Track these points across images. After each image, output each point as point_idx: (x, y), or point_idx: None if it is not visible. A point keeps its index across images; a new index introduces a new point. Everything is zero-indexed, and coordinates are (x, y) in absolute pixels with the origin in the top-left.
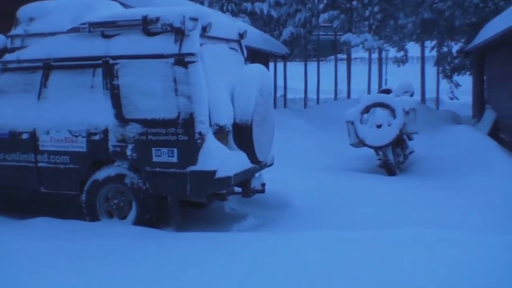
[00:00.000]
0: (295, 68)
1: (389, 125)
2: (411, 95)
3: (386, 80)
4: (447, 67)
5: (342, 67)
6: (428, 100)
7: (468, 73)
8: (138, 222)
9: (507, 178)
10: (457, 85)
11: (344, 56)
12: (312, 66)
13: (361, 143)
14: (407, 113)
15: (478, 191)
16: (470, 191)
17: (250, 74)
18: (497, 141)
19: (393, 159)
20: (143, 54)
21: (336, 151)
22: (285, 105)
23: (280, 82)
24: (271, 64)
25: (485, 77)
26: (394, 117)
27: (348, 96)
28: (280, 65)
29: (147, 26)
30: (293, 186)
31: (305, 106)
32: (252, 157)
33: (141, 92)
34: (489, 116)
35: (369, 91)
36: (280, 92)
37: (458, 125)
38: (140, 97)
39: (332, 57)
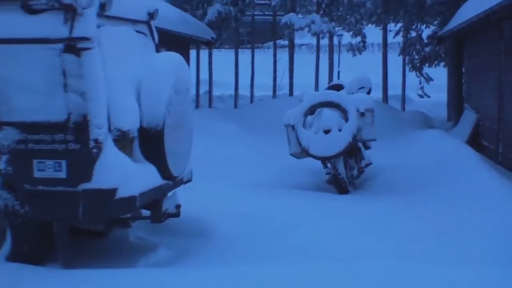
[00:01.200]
0: (223, 57)
1: (339, 130)
2: (369, 92)
3: (338, 72)
4: (416, 57)
5: (283, 56)
6: (391, 98)
7: (442, 64)
8: (14, 256)
9: (485, 196)
10: (429, 79)
11: (286, 43)
12: (245, 55)
13: (304, 152)
14: (362, 114)
15: (447, 213)
16: (436, 213)
17: (162, 65)
18: (478, 149)
19: (345, 173)
20: (21, 38)
21: (274, 162)
22: (210, 105)
23: (205, 75)
24: (193, 52)
25: (463, 70)
26: (346, 120)
27: (291, 93)
28: (204, 53)
29: (27, 1)
30: (217, 208)
31: (235, 106)
32: (164, 171)
33: (18, 87)
34: (469, 118)
35: (316, 87)
36: (204, 88)
37: (429, 129)
38: (16, 94)
39: (271, 43)
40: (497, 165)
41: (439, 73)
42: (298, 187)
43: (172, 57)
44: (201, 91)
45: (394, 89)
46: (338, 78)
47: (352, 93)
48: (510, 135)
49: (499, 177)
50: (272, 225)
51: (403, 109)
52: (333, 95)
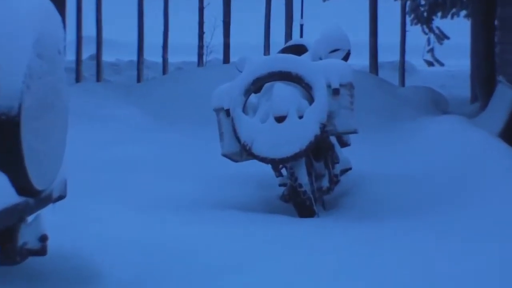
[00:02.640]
0: (120, 2)
1: (300, 117)
2: (346, 57)
3: (301, 26)
4: (422, 2)
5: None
6: (383, 67)
7: (462, 14)
8: None
9: None
10: (442, 37)
11: None
12: None
13: (245, 152)
14: (336, 92)
15: (469, 252)
16: (451, 250)
17: (17, 12)
18: None
19: (309, 184)
20: None
21: (200, 168)
22: (98, 77)
23: (90, 30)
24: None
25: (496, 22)
26: (311, 100)
27: (226, 58)
28: None
29: None
30: (108, 240)
31: (139, 79)
32: (21, 182)
33: None
34: (504, 98)
35: (266, 50)
36: (89, 50)
37: (441, 116)
38: None
39: None
40: None
41: (458, 28)
42: (235, 207)
43: (34, 0)
44: (85, 55)
45: (388, 53)
46: (301, 35)
47: (321, 59)
48: None
49: None
50: (192, 267)
51: (402, 83)
52: (291, 62)
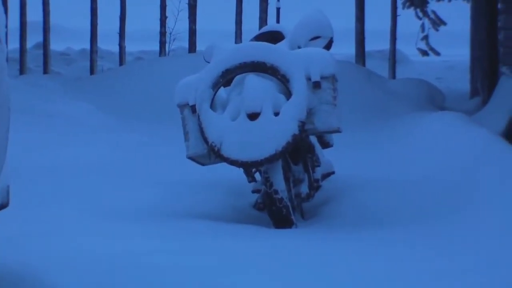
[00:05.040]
0: None
1: (276, 114)
2: (328, 46)
3: (278, 10)
4: None
5: None
6: (371, 57)
7: None
8: None
9: None
10: (438, 22)
11: None
12: None
13: (213, 154)
14: (317, 86)
15: (467, 270)
16: (449, 268)
17: None
18: None
19: (287, 190)
20: None
21: (162, 172)
22: (45, 68)
23: (35, 15)
24: None
25: (499, 6)
26: (288, 95)
27: (192, 47)
28: None
29: None
30: (56, 256)
31: (92, 71)
32: None
33: None
34: (508, 92)
35: (238, 37)
36: (34, 38)
37: (437, 112)
38: None
39: None
40: None
41: (457, 13)
42: (203, 216)
43: None
44: (29, 43)
45: (378, 41)
46: (277, 20)
47: (300, 47)
48: None
49: None
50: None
51: (393, 75)
52: (265, 51)
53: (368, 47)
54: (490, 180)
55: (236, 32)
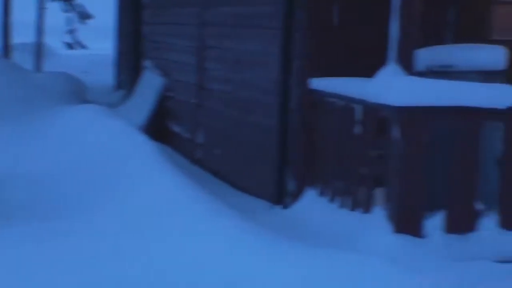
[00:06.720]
0: None
1: None
2: None
3: None
4: None
5: None
6: (16, 49)
7: None
8: None
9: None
10: (85, 16)
11: None
12: None
13: None
14: None
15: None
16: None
17: None
18: (164, 139)
19: None
20: None
21: None
22: None
23: None
24: None
25: (143, 1)
26: None
27: None
28: None
29: None
30: None
31: None
32: None
33: None
34: (150, 85)
35: None
36: None
37: (79, 105)
38: None
39: None
40: (193, 165)
41: (104, 6)
42: None
43: None
44: None
45: (24, 33)
46: None
47: None
48: (217, 116)
49: (191, 188)
50: None
51: (39, 68)
52: None
53: (16, 39)
54: (128, 172)
55: None
